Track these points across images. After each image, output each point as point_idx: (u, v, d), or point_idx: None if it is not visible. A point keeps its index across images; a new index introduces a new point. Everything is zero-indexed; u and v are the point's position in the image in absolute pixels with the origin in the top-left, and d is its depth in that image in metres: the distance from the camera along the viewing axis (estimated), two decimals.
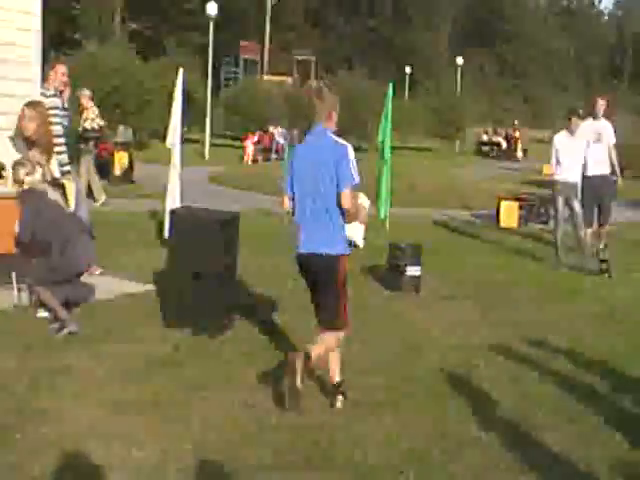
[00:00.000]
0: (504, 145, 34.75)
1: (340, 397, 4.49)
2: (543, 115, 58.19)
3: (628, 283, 8.51)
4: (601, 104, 9.56)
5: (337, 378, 4.55)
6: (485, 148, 35.09)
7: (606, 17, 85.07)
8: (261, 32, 48.97)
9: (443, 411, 4.50)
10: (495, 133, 36.31)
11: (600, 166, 9.45)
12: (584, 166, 9.27)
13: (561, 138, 9.13)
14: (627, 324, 6.68)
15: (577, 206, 9.08)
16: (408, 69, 46.19)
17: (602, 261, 8.89)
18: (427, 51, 61.01)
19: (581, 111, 9.13)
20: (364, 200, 5.65)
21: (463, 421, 4.37)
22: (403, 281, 7.42)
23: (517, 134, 35.12)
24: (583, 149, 9.27)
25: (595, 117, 9.50)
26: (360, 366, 5.16)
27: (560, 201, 9.09)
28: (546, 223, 13.18)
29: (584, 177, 9.26)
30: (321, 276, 4.49)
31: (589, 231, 9.33)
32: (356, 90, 31.44)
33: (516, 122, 36.31)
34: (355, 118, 28.83)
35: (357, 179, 4.47)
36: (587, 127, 9.41)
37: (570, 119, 9.07)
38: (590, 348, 5.82)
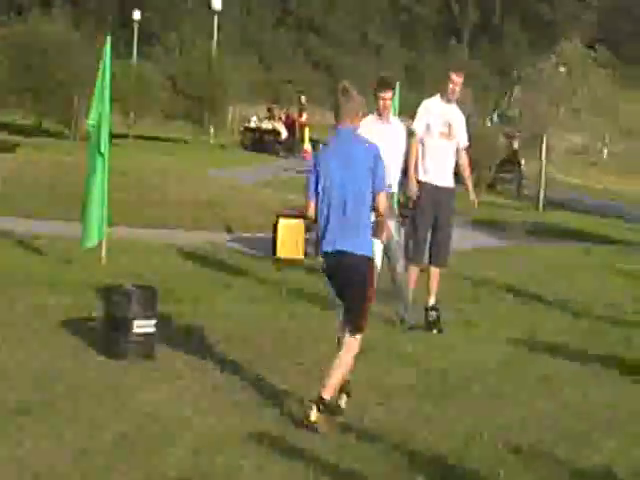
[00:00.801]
0: (284, 134, 34.78)
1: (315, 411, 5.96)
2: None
3: (468, 341, 8.86)
4: (456, 82, 9.74)
5: (325, 395, 6.03)
6: (255, 138, 34.98)
7: None
8: None
9: None
10: (271, 116, 35.93)
11: (444, 174, 9.71)
12: (428, 171, 9.59)
13: (369, 125, 9.14)
14: (459, 398, 6.89)
15: (393, 226, 9.26)
16: (137, 14, 45.71)
17: (431, 309, 9.33)
18: None
19: (396, 82, 9.31)
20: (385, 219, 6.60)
21: None
22: (128, 342, 7.37)
23: (304, 117, 35.28)
24: (403, 141, 9.51)
25: (448, 100, 9.76)
26: None
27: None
28: None
29: (421, 184, 9.54)
30: (351, 276, 6.15)
31: (413, 270, 9.66)
32: (53, 43, 30.96)
33: (303, 99, 36.11)
34: (49, 88, 28.17)
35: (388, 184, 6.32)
36: (432, 111, 9.64)
37: (378, 95, 9.18)
38: None
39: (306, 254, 12.96)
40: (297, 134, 34.52)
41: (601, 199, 30.23)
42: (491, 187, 28.44)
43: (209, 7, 42.96)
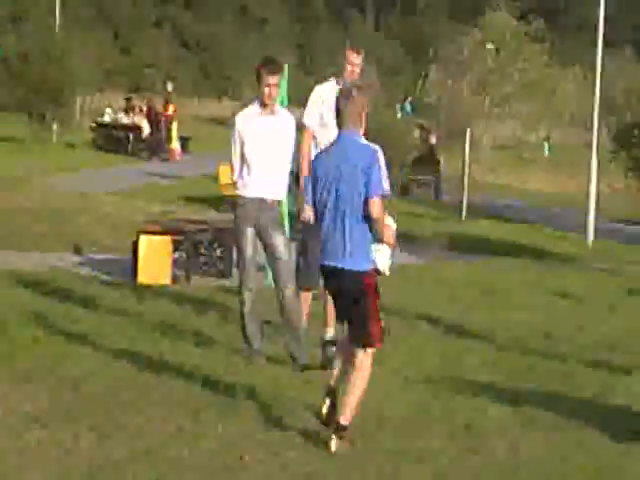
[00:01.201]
0: (146, 130, 34.55)
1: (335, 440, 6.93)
2: (224, 75, 60.96)
3: (371, 383, 8.69)
4: (355, 62, 9.72)
5: (343, 421, 6.99)
6: (109, 135, 34.80)
7: None
8: None
9: None
10: (129, 108, 35.73)
11: None
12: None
13: (250, 117, 9.28)
14: None
15: (281, 244, 9.25)
16: None
17: (330, 343, 9.41)
18: None
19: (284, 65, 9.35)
20: (390, 221, 7.25)
21: None
22: None
23: (171, 110, 35.14)
24: (292, 137, 9.43)
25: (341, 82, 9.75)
26: None
27: (248, 235, 9.26)
28: (224, 276, 13.65)
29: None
30: (350, 294, 7.10)
31: (306, 295, 9.69)
32: None
33: (170, 87, 36.47)
34: None
35: (388, 188, 7.01)
36: (327, 99, 9.54)
37: (261, 81, 9.13)
38: None
39: (175, 279, 12.92)
40: (162, 130, 34.35)
41: (535, 204, 30.85)
42: (404, 192, 28.71)
43: None
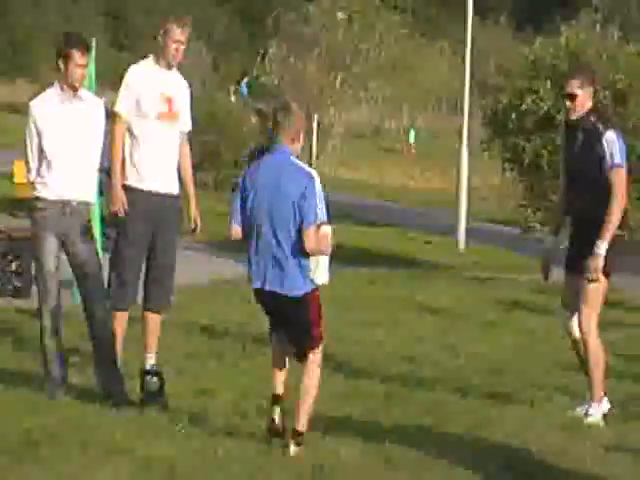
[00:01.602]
0: None
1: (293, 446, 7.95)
2: (15, 50, 60.27)
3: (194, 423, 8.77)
4: (181, 39, 9.70)
5: (299, 427, 7.98)
6: None
7: None
8: None
9: None
10: None
11: (165, 175, 9.81)
12: (142, 171, 9.70)
13: (49, 103, 9.34)
14: None
15: (88, 255, 9.32)
16: None
17: (151, 374, 9.37)
18: None
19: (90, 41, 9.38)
20: (327, 228, 7.88)
21: None
22: None
23: None
24: (101, 126, 9.47)
25: (168, 65, 9.79)
26: None
27: (49, 244, 9.27)
28: (21, 295, 13.65)
29: (131, 191, 9.62)
30: (288, 318, 8.02)
31: (121, 315, 9.72)
32: None
33: None
34: None
35: (324, 216, 7.75)
36: (145, 81, 9.70)
37: (65, 61, 9.14)
38: None
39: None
40: None
41: (391, 202, 31.05)
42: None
43: None
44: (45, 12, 64.95)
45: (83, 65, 9.23)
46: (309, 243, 7.74)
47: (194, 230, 9.96)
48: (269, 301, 8.05)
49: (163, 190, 9.66)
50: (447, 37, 42.30)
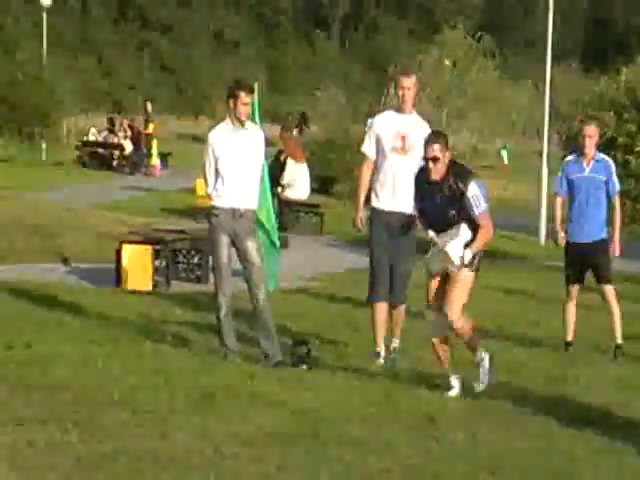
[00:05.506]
0: (128, 148, 34.53)
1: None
2: (198, 94, 60.33)
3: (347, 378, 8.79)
4: (407, 86, 9.65)
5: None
6: (94, 153, 34.72)
7: None
8: None
9: None
10: (113, 127, 35.66)
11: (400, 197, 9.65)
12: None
13: (222, 133, 9.44)
14: None
15: (253, 249, 9.33)
16: None
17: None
18: None
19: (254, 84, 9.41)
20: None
21: None
22: None
23: (151, 128, 35.10)
24: (262, 150, 9.56)
25: (401, 110, 9.81)
26: None
27: (223, 242, 9.29)
28: (202, 281, 13.58)
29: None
30: None
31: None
32: None
33: (149, 107, 36.07)
34: None
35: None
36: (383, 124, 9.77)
37: (233, 97, 9.26)
38: None
39: (155, 285, 12.91)
40: (143, 147, 34.29)
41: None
42: None
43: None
44: (221, 65, 65.50)
45: (247, 103, 9.33)
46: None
47: None
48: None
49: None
50: (528, 77, 41.71)
